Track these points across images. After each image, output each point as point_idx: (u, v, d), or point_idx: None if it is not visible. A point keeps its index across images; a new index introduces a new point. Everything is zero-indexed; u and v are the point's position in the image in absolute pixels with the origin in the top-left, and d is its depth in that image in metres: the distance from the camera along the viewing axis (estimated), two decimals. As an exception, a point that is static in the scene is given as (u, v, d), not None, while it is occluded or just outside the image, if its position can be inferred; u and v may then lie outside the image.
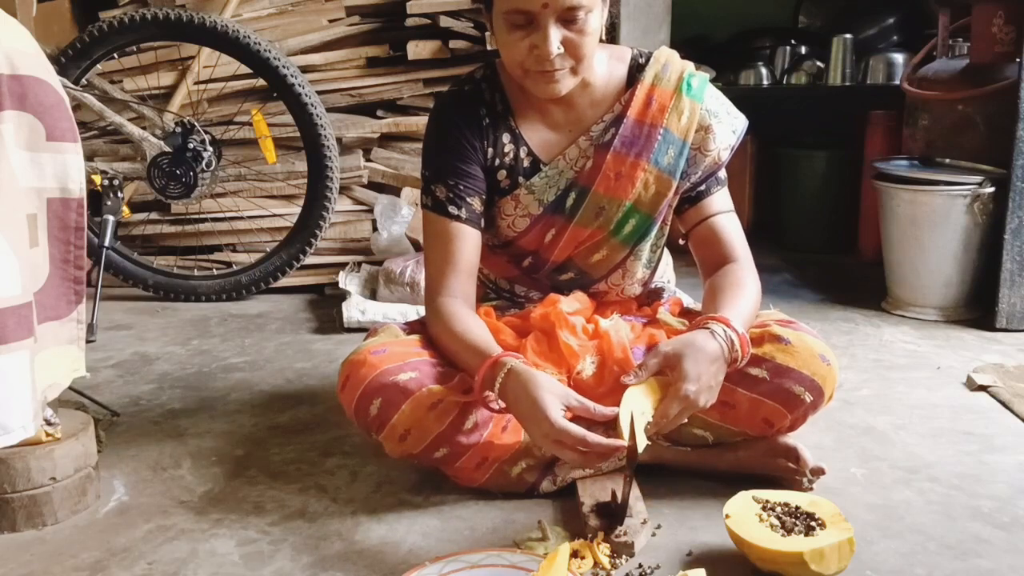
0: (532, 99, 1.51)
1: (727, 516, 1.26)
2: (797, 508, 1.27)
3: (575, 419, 1.25)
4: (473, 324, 1.43)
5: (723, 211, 1.55)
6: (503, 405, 1.32)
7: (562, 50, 1.36)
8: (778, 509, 1.28)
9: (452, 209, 1.48)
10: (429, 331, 1.49)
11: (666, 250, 1.70)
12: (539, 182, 1.52)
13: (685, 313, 1.63)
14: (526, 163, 1.52)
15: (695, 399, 1.27)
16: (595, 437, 1.20)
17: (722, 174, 1.56)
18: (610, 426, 1.26)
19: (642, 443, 1.23)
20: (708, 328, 1.33)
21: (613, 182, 1.49)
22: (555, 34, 1.34)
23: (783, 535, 1.22)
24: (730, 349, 1.32)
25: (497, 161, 1.52)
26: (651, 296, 1.70)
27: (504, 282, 1.67)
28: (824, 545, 1.17)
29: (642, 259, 1.59)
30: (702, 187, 1.54)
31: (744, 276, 1.49)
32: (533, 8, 1.33)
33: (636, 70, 1.52)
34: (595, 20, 1.37)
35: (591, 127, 1.52)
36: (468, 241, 1.48)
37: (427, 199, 1.50)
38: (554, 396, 1.25)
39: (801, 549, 1.17)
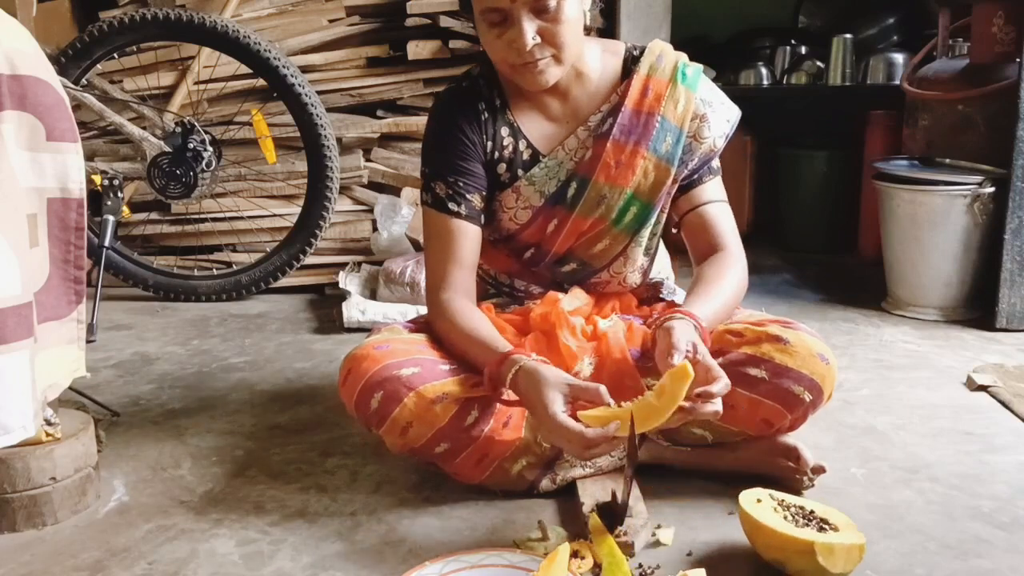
0: (529, 92, 1.52)
1: (741, 501, 1.26)
2: (812, 512, 1.27)
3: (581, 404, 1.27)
4: (479, 320, 1.46)
5: (715, 200, 1.57)
6: (515, 397, 1.34)
7: (539, 40, 1.39)
8: (792, 508, 1.27)
9: (452, 206, 1.49)
10: (433, 327, 1.51)
11: (664, 248, 1.71)
12: (539, 173, 1.53)
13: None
14: (525, 155, 1.54)
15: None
16: (592, 431, 1.22)
17: (715, 164, 1.58)
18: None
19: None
20: (683, 319, 1.36)
21: (614, 170, 1.51)
22: (529, 26, 1.37)
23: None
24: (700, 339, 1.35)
25: (497, 155, 1.53)
26: (651, 291, 1.71)
27: (504, 276, 1.67)
28: (836, 542, 1.17)
29: (642, 245, 1.61)
30: (695, 176, 1.56)
31: (728, 266, 1.52)
32: (503, 4, 1.36)
33: (631, 62, 1.55)
34: (571, 7, 1.38)
35: (588, 118, 1.54)
36: (468, 237, 1.50)
37: (427, 196, 1.52)
38: (556, 391, 1.27)
39: (813, 539, 1.17)
